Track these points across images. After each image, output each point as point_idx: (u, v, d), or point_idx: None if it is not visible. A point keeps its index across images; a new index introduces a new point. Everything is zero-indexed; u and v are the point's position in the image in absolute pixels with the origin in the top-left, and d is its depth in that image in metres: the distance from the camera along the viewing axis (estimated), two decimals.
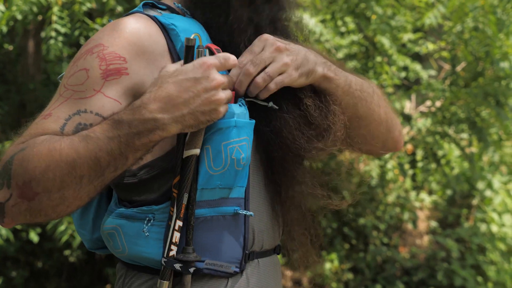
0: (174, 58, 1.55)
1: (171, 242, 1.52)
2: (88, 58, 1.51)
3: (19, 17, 3.82)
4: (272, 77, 1.55)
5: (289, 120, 1.61)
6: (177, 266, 1.52)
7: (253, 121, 1.55)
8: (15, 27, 4.34)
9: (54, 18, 3.90)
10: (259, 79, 1.55)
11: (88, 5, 3.94)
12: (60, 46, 3.95)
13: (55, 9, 3.89)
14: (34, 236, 5.23)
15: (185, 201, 1.51)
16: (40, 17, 4.61)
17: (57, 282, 6.09)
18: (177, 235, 1.52)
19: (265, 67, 1.56)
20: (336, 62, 1.71)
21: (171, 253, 1.52)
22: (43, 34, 3.90)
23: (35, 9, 3.75)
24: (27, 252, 5.93)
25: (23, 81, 6.00)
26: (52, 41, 3.86)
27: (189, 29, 1.56)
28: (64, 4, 4.04)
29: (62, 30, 3.90)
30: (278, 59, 1.56)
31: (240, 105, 1.55)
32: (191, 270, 1.53)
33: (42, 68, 6.23)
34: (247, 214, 1.58)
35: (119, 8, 4.22)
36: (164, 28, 1.57)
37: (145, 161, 1.53)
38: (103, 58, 1.49)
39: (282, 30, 1.65)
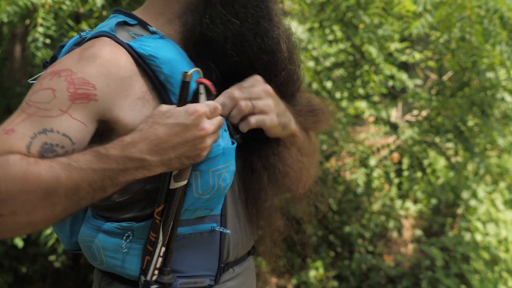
0: (153, 84, 1.54)
1: (154, 267, 1.54)
2: (54, 79, 1.48)
3: (5, 19, 3.81)
4: (254, 108, 1.59)
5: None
6: (154, 287, 1.54)
7: (235, 144, 1.58)
8: (2, 31, 4.33)
9: (40, 21, 3.89)
10: (242, 103, 1.58)
11: (76, 8, 3.94)
12: (48, 51, 3.94)
13: (41, 12, 3.88)
14: (19, 241, 5.20)
15: (170, 229, 1.53)
16: (27, 21, 4.60)
17: None
18: (160, 260, 1.54)
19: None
20: (297, 116, 1.77)
21: (154, 278, 1.54)
22: (29, 39, 3.89)
23: (18, 10, 3.73)
24: (11, 257, 5.89)
25: (9, 85, 5.98)
26: (39, 44, 3.84)
27: (171, 58, 1.55)
28: (50, 7, 4.03)
29: (48, 32, 3.88)
30: (265, 99, 1.60)
31: (225, 130, 1.57)
32: None
33: (28, 72, 6.21)
34: (224, 231, 1.61)
35: (105, 12, 4.21)
36: (139, 56, 1.55)
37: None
38: (71, 82, 1.47)
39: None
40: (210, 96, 1.52)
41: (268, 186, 1.66)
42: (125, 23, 1.63)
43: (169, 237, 1.54)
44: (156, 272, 1.54)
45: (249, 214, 1.68)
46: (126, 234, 1.56)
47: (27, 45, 4.08)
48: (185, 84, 1.49)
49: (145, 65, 1.54)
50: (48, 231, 3.88)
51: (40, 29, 3.87)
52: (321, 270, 6.61)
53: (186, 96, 1.49)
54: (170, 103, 1.52)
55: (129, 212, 1.56)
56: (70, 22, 4.09)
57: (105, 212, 1.59)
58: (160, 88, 1.54)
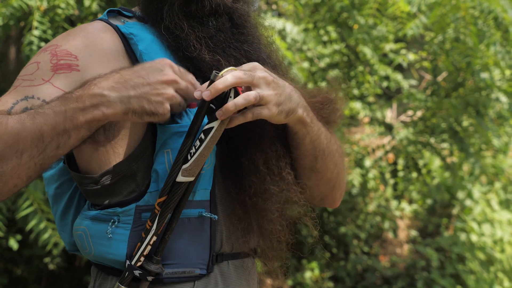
0: (133, 63, 1.57)
1: (141, 254, 1.53)
2: (41, 54, 1.56)
3: (0, 22, 3.80)
4: (251, 98, 1.50)
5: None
6: (137, 272, 1.53)
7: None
8: None
9: (35, 24, 3.88)
10: (251, 94, 1.50)
11: (71, 11, 3.93)
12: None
13: (36, 15, 3.88)
14: (13, 244, 5.19)
15: (166, 220, 1.53)
16: (22, 23, 4.59)
17: None
18: (148, 248, 1.53)
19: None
20: (313, 108, 1.69)
21: (139, 264, 1.54)
22: (24, 40, 3.89)
23: (15, 12, 3.72)
24: (6, 259, 5.88)
25: (3, 87, 5.97)
26: (34, 46, 3.83)
27: (146, 37, 1.59)
28: (45, 10, 4.03)
29: (43, 36, 3.88)
30: (263, 88, 1.52)
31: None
32: (149, 278, 1.54)
33: None
34: (212, 217, 1.58)
35: (100, 15, 4.21)
36: (125, 38, 1.60)
37: (106, 168, 1.55)
38: (55, 54, 1.54)
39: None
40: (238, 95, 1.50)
41: (271, 186, 1.64)
42: (119, 13, 1.68)
43: (165, 228, 1.53)
44: (142, 258, 1.53)
45: (246, 209, 1.66)
46: (112, 220, 1.57)
47: (22, 47, 4.07)
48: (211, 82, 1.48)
49: (127, 44, 1.59)
50: (46, 235, 3.86)
51: (36, 32, 3.87)
52: (316, 271, 6.62)
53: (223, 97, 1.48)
54: None
55: (118, 196, 1.56)
56: (66, 25, 4.08)
57: (96, 198, 1.60)
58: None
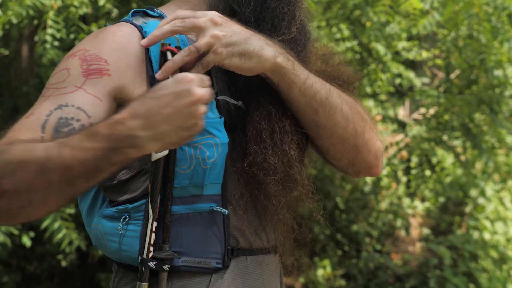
0: (147, 64, 1.55)
1: (149, 244, 1.53)
2: (69, 60, 1.53)
3: (15, 21, 3.82)
4: (191, 49, 1.47)
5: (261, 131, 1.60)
6: (152, 264, 1.52)
7: (221, 119, 1.55)
8: (10, 31, 4.33)
9: (50, 22, 3.89)
10: (177, 55, 1.48)
11: (85, 9, 3.94)
12: (56, 52, 3.95)
13: (51, 13, 3.89)
14: (27, 241, 5.21)
15: (158, 202, 1.52)
16: (35, 22, 4.60)
17: (48, 287, 6.07)
18: (153, 236, 1.53)
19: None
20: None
21: (150, 255, 1.53)
22: (36, 38, 3.90)
23: (31, 12, 3.74)
24: (19, 256, 5.91)
25: (16, 85, 5.99)
26: (47, 45, 3.85)
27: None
28: (59, 8, 4.04)
29: (58, 35, 3.89)
30: (208, 30, 1.49)
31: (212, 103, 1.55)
32: (166, 267, 1.54)
33: (35, 72, 6.22)
34: (222, 211, 1.57)
35: (115, 12, 4.22)
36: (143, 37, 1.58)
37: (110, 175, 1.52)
38: (84, 59, 1.51)
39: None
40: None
41: (271, 157, 1.61)
42: (144, 13, 1.66)
43: (161, 210, 1.53)
44: (152, 249, 1.53)
45: (259, 203, 1.65)
46: (123, 217, 1.57)
47: (37, 46, 4.08)
48: (162, 54, 1.49)
49: None
50: (60, 234, 3.88)
51: (50, 31, 3.88)
52: (328, 269, 6.61)
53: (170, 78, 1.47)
54: (154, 79, 1.53)
55: (134, 193, 1.56)
56: (80, 23, 4.10)
57: (113, 194, 1.60)
58: (149, 65, 1.55)
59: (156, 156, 1.49)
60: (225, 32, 1.49)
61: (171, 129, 1.35)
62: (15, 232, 3.79)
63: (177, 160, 1.51)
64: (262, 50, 1.52)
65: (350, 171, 1.76)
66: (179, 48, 1.50)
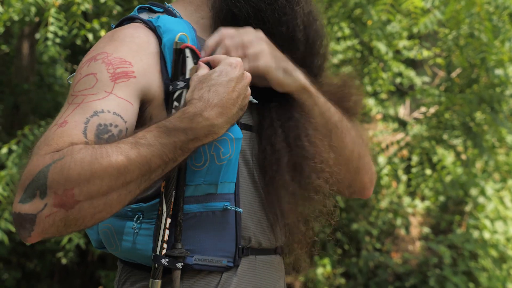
0: (160, 57, 1.57)
1: (162, 241, 1.53)
2: (92, 64, 1.52)
3: (16, 18, 3.82)
4: (247, 55, 1.59)
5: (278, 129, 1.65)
6: (164, 261, 1.52)
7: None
8: (12, 29, 4.33)
9: (51, 19, 3.89)
10: (233, 52, 1.59)
11: (87, 5, 3.94)
12: (57, 49, 3.95)
13: (52, 10, 3.88)
14: None
15: (172, 198, 1.53)
16: (36, 19, 4.60)
17: (48, 284, 6.08)
18: (167, 233, 1.53)
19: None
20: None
21: (163, 252, 1.53)
22: (37, 36, 3.89)
23: (33, 9, 3.74)
24: (19, 253, 5.91)
25: (17, 82, 5.99)
26: (49, 42, 3.85)
27: (173, 29, 1.58)
28: (60, 5, 4.04)
29: (60, 32, 3.89)
30: (257, 44, 1.60)
31: None
32: (179, 265, 1.54)
33: (35, 69, 6.22)
34: (236, 210, 1.58)
35: (117, 9, 4.22)
36: (155, 31, 1.59)
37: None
38: (109, 63, 1.50)
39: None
40: (196, 59, 1.55)
41: (289, 170, 1.64)
42: (150, 10, 1.67)
43: (174, 208, 1.54)
44: (165, 245, 1.53)
45: (270, 203, 1.66)
46: (136, 216, 1.57)
47: (38, 43, 4.07)
48: (180, 51, 1.54)
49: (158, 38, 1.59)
50: None
51: (51, 28, 3.88)
52: (328, 268, 6.62)
53: (182, 64, 1.54)
54: (167, 73, 1.56)
55: (147, 191, 1.56)
56: (82, 20, 4.10)
57: None
58: (162, 58, 1.58)
59: None
60: (271, 47, 1.63)
61: (237, 111, 1.49)
62: (14, 230, 3.79)
63: (192, 158, 1.52)
64: (296, 71, 1.65)
65: (345, 192, 1.86)
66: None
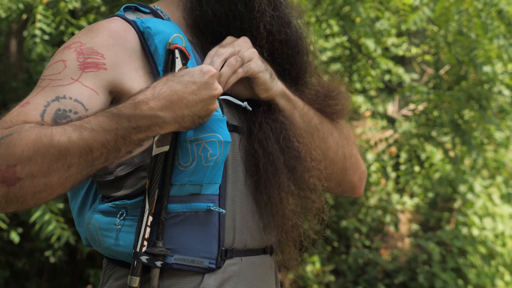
0: (149, 60, 1.58)
1: (143, 238, 1.53)
2: (65, 52, 1.54)
3: (3, 15, 3.80)
4: (243, 60, 1.60)
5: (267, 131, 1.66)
6: (144, 258, 1.52)
7: (223, 117, 1.57)
8: None
9: (39, 17, 3.87)
10: (231, 58, 1.60)
11: (74, 3, 3.92)
12: (46, 46, 3.93)
13: (40, 8, 3.87)
14: (15, 237, 5.19)
15: (155, 197, 1.53)
16: (24, 16, 4.58)
17: (37, 283, 6.06)
18: (148, 231, 1.53)
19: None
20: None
21: (143, 249, 1.53)
22: (25, 33, 3.88)
23: (21, 6, 3.72)
24: (8, 252, 5.89)
25: (5, 80, 5.97)
26: (37, 39, 3.83)
27: (164, 31, 1.58)
28: (48, 3, 4.02)
29: (48, 29, 3.87)
30: (247, 49, 1.62)
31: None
32: (158, 264, 1.54)
33: (24, 67, 6.19)
34: (220, 211, 1.58)
35: (103, 8, 4.21)
36: (141, 32, 1.59)
37: (122, 159, 1.55)
38: (81, 52, 1.52)
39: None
40: (185, 60, 1.56)
41: (284, 171, 1.65)
42: (136, 9, 1.68)
43: (157, 206, 1.54)
44: (146, 243, 1.53)
45: (262, 204, 1.66)
46: (120, 212, 1.57)
47: (26, 41, 4.06)
48: (170, 52, 1.54)
49: (144, 40, 1.59)
50: (51, 227, 3.86)
51: (39, 25, 3.86)
52: (317, 265, 6.63)
53: (171, 65, 1.54)
54: (158, 75, 1.56)
55: (131, 189, 1.57)
56: (69, 18, 4.08)
57: (108, 190, 1.60)
58: (152, 61, 1.58)
59: (157, 150, 1.51)
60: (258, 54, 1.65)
61: (190, 115, 1.46)
62: (3, 226, 3.77)
63: (179, 157, 1.53)
64: (276, 79, 1.68)
65: (335, 191, 1.87)
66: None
